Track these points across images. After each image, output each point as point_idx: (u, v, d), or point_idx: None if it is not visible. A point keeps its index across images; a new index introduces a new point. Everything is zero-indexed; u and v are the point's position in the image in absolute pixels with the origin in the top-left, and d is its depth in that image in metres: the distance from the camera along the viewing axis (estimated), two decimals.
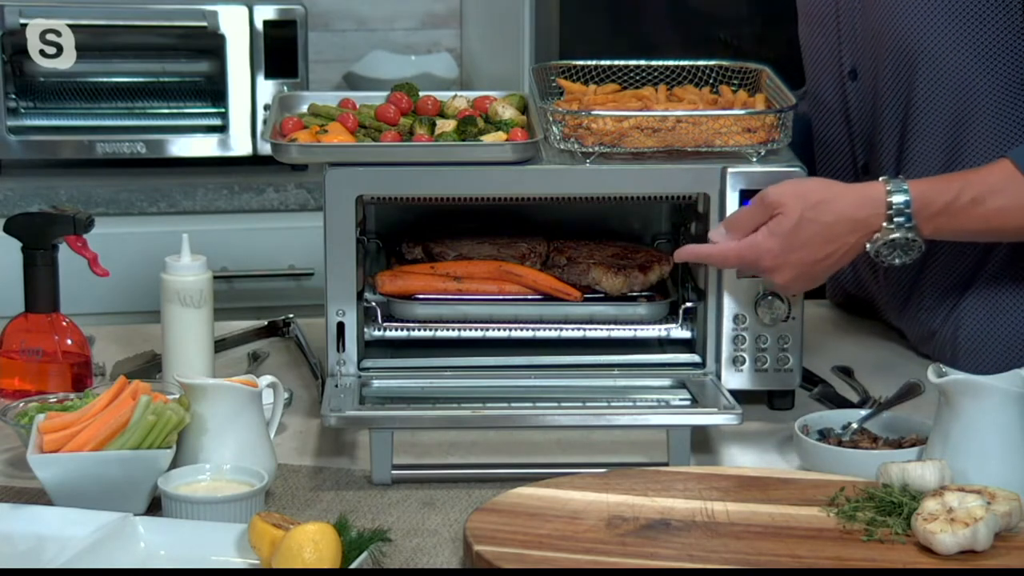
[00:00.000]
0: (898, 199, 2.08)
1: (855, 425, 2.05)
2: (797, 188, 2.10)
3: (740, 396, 2.08)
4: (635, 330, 2.25)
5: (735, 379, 2.18)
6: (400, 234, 2.37)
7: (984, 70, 2.21)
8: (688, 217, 2.28)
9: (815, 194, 2.09)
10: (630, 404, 2.12)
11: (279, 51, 3.53)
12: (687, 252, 2.16)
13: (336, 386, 2.11)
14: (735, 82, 2.35)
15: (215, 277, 2.20)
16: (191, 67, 3.58)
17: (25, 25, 3.42)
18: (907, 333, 2.44)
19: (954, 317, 2.33)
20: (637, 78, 2.36)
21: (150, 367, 2.30)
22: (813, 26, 2.43)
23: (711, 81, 2.35)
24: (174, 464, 1.86)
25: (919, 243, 2.09)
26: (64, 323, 2.23)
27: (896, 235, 2.08)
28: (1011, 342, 2.29)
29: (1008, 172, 2.09)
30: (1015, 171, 2.08)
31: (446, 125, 2.22)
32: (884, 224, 2.08)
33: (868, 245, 2.09)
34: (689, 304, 2.24)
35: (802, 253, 2.09)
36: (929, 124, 2.26)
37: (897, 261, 2.10)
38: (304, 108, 2.31)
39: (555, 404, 2.11)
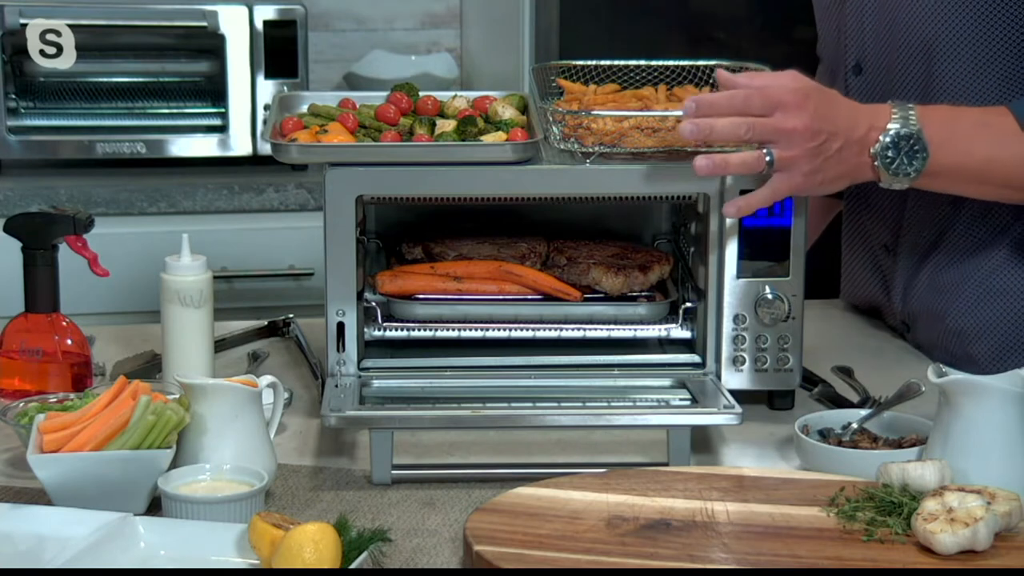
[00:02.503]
0: (901, 103, 2.11)
1: (855, 425, 2.05)
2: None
3: (740, 396, 2.08)
4: (635, 330, 2.25)
5: (735, 379, 2.18)
6: (400, 234, 2.37)
7: (1003, 59, 2.21)
8: (688, 217, 2.28)
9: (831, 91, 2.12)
10: (630, 404, 2.12)
11: (279, 51, 3.53)
12: (704, 99, 2.06)
13: (336, 386, 2.11)
14: None
15: (215, 277, 2.20)
16: (191, 67, 3.59)
17: (25, 25, 3.42)
18: (914, 322, 2.43)
19: (959, 298, 2.33)
20: (637, 78, 2.36)
21: (150, 367, 2.30)
22: (823, 19, 2.44)
23: (711, 81, 2.35)
24: (174, 464, 1.86)
25: (923, 144, 2.08)
26: (64, 323, 2.23)
27: (899, 126, 2.08)
28: (1013, 325, 2.30)
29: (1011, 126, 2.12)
30: (1015, 123, 2.11)
31: (446, 125, 2.22)
32: (889, 118, 2.09)
33: (873, 148, 2.08)
34: (689, 304, 2.24)
35: (823, 108, 2.05)
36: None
37: (902, 175, 2.09)
38: (304, 108, 2.31)
39: (555, 404, 2.11)
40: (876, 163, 2.09)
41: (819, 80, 2.56)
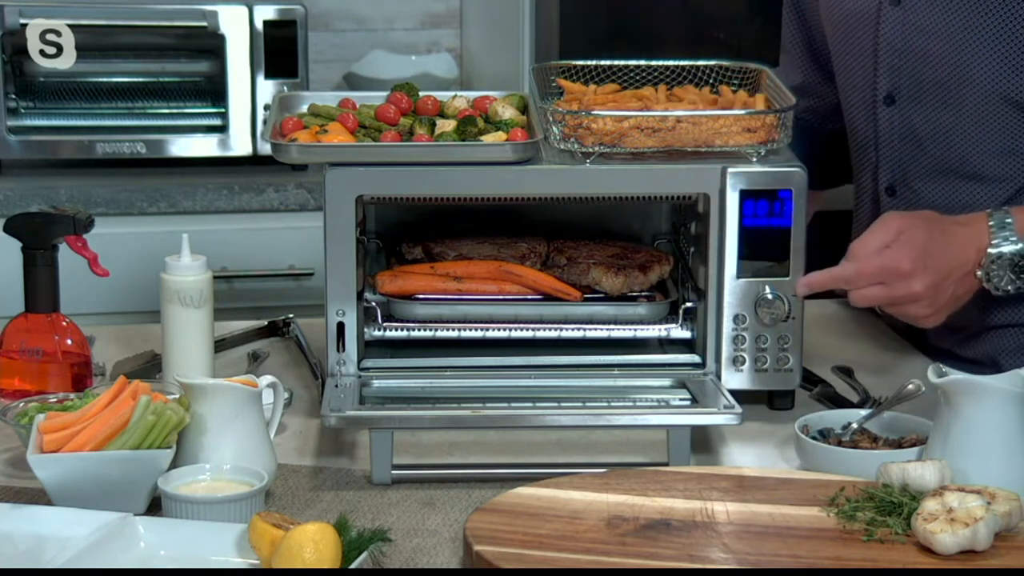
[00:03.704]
0: (998, 213, 2.15)
1: (855, 425, 2.05)
2: (915, 212, 2.20)
3: (740, 396, 2.08)
4: (635, 330, 2.25)
5: (735, 379, 2.18)
6: (400, 234, 2.37)
7: None
8: (688, 217, 2.28)
9: (930, 214, 2.17)
10: (630, 404, 2.12)
11: (279, 51, 3.53)
12: (815, 281, 2.14)
13: (336, 386, 2.11)
14: (735, 82, 2.35)
15: (215, 277, 2.20)
16: (191, 67, 3.58)
17: (25, 25, 3.42)
18: (928, 329, 2.43)
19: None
20: (637, 78, 2.36)
21: (150, 367, 2.30)
22: (849, 50, 2.42)
23: (711, 81, 2.35)
24: (174, 464, 1.86)
25: None
26: (64, 323, 2.23)
27: (1004, 249, 2.12)
28: None
29: None
30: None
31: (446, 125, 2.22)
32: (991, 239, 2.13)
33: (979, 271, 2.14)
34: (689, 304, 2.24)
35: (937, 258, 2.11)
36: (994, 144, 2.27)
37: (1011, 287, 2.14)
38: (304, 108, 2.31)
39: (555, 404, 2.11)
40: (983, 282, 2.15)
41: (785, 74, 2.56)
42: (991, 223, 2.14)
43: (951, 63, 2.27)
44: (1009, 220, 2.14)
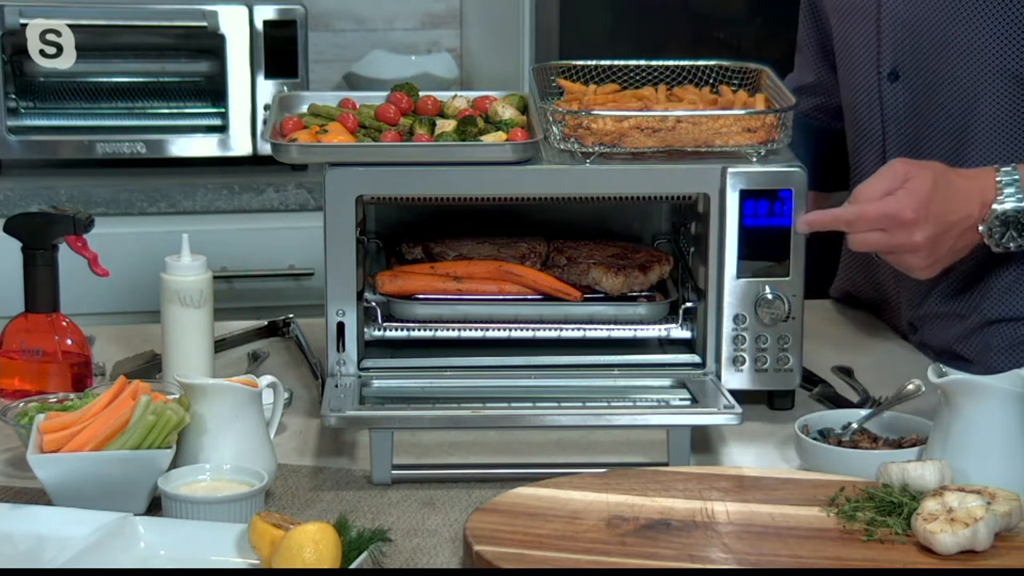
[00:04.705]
0: (1006, 168, 2.14)
1: (855, 425, 2.05)
2: (922, 161, 2.17)
3: (740, 396, 2.08)
4: (635, 330, 2.25)
5: (735, 379, 2.18)
6: (400, 234, 2.37)
7: None
8: (688, 217, 2.28)
9: (938, 164, 2.16)
10: (630, 404, 2.12)
11: (279, 51, 3.53)
12: (815, 219, 2.13)
13: (336, 386, 2.11)
14: (735, 82, 2.35)
15: (215, 277, 2.20)
16: (191, 67, 3.59)
17: (25, 25, 3.42)
18: (923, 325, 2.43)
19: (978, 303, 2.34)
20: (637, 78, 2.36)
21: (150, 367, 2.30)
22: (853, 29, 2.42)
23: (711, 81, 2.35)
24: (174, 464, 1.86)
25: None
26: (64, 323, 2.23)
27: (1007, 206, 2.12)
28: None
29: None
30: None
31: (446, 125, 2.22)
32: (996, 195, 2.13)
33: (982, 226, 2.13)
34: (689, 304, 2.24)
35: (940, 210, 2.10)
36: (994, 117, 2.27)
37: (1012, 245, 2.13)
38: (304, 108, 2.31)
39: (555, 404, 2.11)
40: (985, 237, 2.15)
41: (799, 74, 2.57)
42: (999, 178, 2.14)
43: (950, 32, 2.26)
44: (1016, 177, 2.13)
